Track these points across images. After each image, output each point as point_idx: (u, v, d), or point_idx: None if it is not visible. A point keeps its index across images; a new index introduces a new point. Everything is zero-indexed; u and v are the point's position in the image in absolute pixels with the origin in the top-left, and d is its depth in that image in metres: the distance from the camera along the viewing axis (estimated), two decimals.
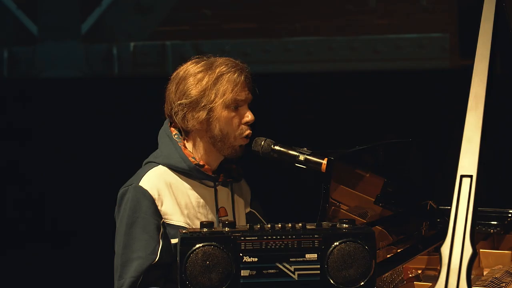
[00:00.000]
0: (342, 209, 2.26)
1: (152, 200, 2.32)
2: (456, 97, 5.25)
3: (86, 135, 6.18)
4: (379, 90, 5.89)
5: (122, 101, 6.06)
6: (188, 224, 2.36)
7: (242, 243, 1.80)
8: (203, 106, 2.34)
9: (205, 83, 2.34)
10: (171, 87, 2.40)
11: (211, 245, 1.78)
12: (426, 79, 5.76)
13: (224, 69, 2.36)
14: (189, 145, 2.43)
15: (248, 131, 2.40)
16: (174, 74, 2.43)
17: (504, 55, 2.36)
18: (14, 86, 6.08)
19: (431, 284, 2.19)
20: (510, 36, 2.23)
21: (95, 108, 6.14)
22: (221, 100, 2.34)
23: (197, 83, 2.35)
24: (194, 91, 2.34)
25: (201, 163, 2.40)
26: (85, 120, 6.16)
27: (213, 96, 2.34)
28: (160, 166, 2.40)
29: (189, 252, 1.78)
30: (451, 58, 5.68)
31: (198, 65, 2.39)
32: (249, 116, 2.39)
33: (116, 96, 6.08)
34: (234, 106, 2.37)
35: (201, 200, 2.42)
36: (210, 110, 2.34)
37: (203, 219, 2.38)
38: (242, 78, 2.38)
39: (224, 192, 2.49)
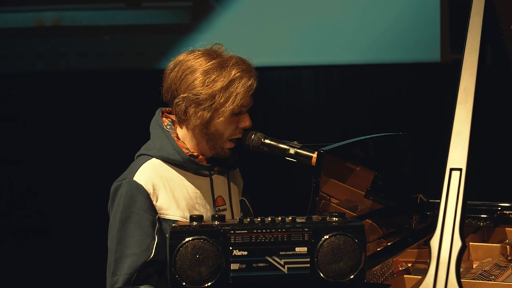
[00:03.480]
0: (333, 203, 2.26)
1: (146, 195, 2.29)
2: (446, 91, 5.27)
3: (76, 130, 6.17)
4: (369, 84, 5.90)
5: (110, 94, 6.06)
6: (185, 217, 2.33)
7: (231, 237, 1.80)
8: (210, 106, 2.30)
9: (219, 85, 2.28)
10: (175, 73, 2.34)
11: (201, 239, 1.78)
12: (417, 72, 5.78)
13: (239, 73, 2.31)
14: (181, 134, 2.41)
15: (239, 135, 2.39)
16: (181, 58, 2.36)
17: (494, 49, 2.36)
18: None
19: (421, 277, 2.19)
20: (499, 29, 2.23)
21: (83, 101, 6.13)
22: (231, 106, 2.30)
23: (208, 82, 2.29)
24: (204, 90, 2.29)
25: (195, 153, 2.38)
26: (74, 112, 6.15)
27: (223, 99, 2.29)
28: (154, 159, 2.37)
29: (179, 245, 1.77)
30: (442, 52, 5.69)
31: (211, 62, 2.32)
32: (247, 122, 2.37)
33: (103, 89, 6.08)
34: (239, 111, 2.35)
35: (198, 191, 2.40)
36: (216, 112, 2.31)
37: (202, 210, 2.37)
38: (255, 85, 2.35)
39: (220, 181, 2.48)
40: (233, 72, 2.30)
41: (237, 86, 2.29)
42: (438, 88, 5.62)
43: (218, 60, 2.33)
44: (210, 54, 2.35)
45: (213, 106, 2.29)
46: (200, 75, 2.30)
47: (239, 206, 2.56)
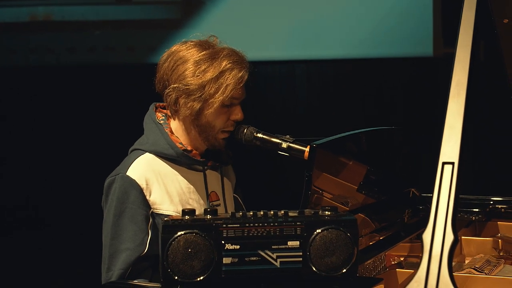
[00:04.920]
0: (325, 197, 2.26)
1: (140, 190, 2.29)
2: (439, 85, 5.28)
3: (70, 126, 6.15)
4: (362, 78, 5.90)
5: (105, 89, 6.04)
6: (179, 212, 2.32)
7: (224, 231, 1.79)
8: (199, 96, 2.29)
9: (209, 76, 2.27)
10: (168, 63, 2.33)
11: (193, 233, 1.77)
12: (409, 67, 5.78)
13: (230, 64, 2.30)
14: (174, 127, 2.40)
15: (232, 127, 2.38)
16: (173, 49, 2.36)
17: (486, 43, 2.36)
18: None
19: (413, 271, 2.19)
20: (492, 23, 2.23)
21: (78, 97, 6.11)
22: (221, 97, 2.28)
23: (198, 72, 2.28)
24: (194, 80, 2.28)
25: (189, 148, 2.37)
26: (68, 107, 6.13)
27: (213, 90, 2.28)
28: (147, 154, 2.36)
29: (171, 239, 1.77)
30: (435, 46, 5.70)
31: (202, 52, 2.31)
32: (238, 114, 2.36)
33: (97, 83, 6.06)
34: (230, 103, 2.34)
35: (191, 186, 2.39)
36: (205, 102, 2.30)
37: (195, 205, 2.37)
38: (246, 77, 2.33)
39: (213, 176, 2.47)
40: (223, 63, 2.29)
41: (227, 77, 2.28)
42: (430, 82, 5.63)
43: (210, 51, 2.32)
44: (202, 45, 2.35)
45: (203, 96, 2.29)
46: (191, 66, 2.29)
47: (232, 202, 2.56)
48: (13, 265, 5.56)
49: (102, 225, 2.34)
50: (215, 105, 2.29)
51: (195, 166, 2.41)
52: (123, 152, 2.46)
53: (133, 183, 2.29)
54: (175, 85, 2.30)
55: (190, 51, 2.32)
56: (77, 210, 5.84)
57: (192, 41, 2.37)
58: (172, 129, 2.40)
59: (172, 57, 2.34)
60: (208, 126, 2.34)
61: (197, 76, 2.28)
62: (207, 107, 2.31)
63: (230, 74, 2.29)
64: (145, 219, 2.28)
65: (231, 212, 1.85)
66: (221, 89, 2.28)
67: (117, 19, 6.11)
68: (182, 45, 2.36)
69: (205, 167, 2.42)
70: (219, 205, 2.46)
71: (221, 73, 2.28)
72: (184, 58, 2.31)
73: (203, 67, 2.28)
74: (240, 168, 2.66)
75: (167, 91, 2.33)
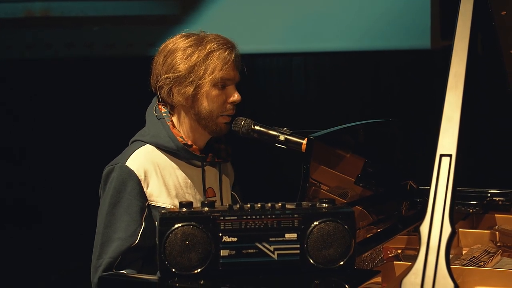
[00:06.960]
0: (323, 189, 2.25)
1: (138, 181, 2.29)
2: (436, 78, 5.28)
3: (69, 120, 6.15)
4: (360, 70, 5.90)
5: (105, 81, 6.04)
6: (175, 205, 2.33)
7: (221, 223, 1.80)
8: (191, 81, 2.32)
9: (195, 59, 2.32)
10: (159, 59, 2.38)
11: (190, 225, 1.78)
12: (407, 59, 5.77)
13: (215, 46, 2.34)
14: (176, 121, 2.41)
15: (231, 111, 2.39)
16: (162, 46, 2.40)
17: (484, 35, 2.36)
18: None
19: (410, 263, 2.19)
20: (490, 15, 2.23)
21: (78, 88, 6.10)
22: (210, 77, 2.32)
23: (186, 58, 2.33)
24: (182, 66, 2.32)
25: (189, 142, 2.38)
26: (69, 99, 6.12)
27: (201, 72, 2.32)
28: (148, 145, 2.37)
29: (168, 232, 1.77)
30: (433, 39, 5.69)
31: (188, 40, 2.36)
32: (235, 96, 2.38)
33: (98, 75, 6.05)
34: (222, 84, 2.36)
35: (189, 181, 2.40)
36: (198, 86, 2.33)
37: (191, 200, 2.37)
38: (233, 56, 2.37)
39: (212, 172, 2.48)
40: (209, 46, 2.34)
41: (213, 58, 2.33)
42: (428, 75, 5.63)
43: (196, 37, 2.38)
44: (188, 35, 2.40)
45: (193, 81, 2.32)
46: (180, 52, 2.35)
47: (230, 199, 2.56)
48: (11, 263, 5.56)
49: (98, 212, 2.34)
50: (206, 87, 2.33)
51: (194, 161, 2.42)
52: (121, 148, 2.45)
53: (131, 173, 2.29)
54: (166, 75, 2.34)
55: (177, 41, 2.38)
56: (76, 207, 5.83)
57: (177, 35, 2.42)
58: (174, 123, 2.41)
59: (162, 52, 2.39)
60: (206, 112, 2.36)
61: (185, 61, 2.33)
62: (199, 91, 2.34)
63: (216, 54, 2.34)
64: (140, 210, 2.29)
65: (229, 205, 1.86)
66: (209, 70, 2.33)
67: (115, 15, 6.10)
68: (170, 39, 2.41)
69: (204, 163, 2.43)
70: (215, 201, 2.46)
71: (207, 54, 2.33)
72: (171, 49, 2.36)
73: (189, 52, 2.34)
74: (240, 163, 2.66)
75: (159, 84, 2.36)
